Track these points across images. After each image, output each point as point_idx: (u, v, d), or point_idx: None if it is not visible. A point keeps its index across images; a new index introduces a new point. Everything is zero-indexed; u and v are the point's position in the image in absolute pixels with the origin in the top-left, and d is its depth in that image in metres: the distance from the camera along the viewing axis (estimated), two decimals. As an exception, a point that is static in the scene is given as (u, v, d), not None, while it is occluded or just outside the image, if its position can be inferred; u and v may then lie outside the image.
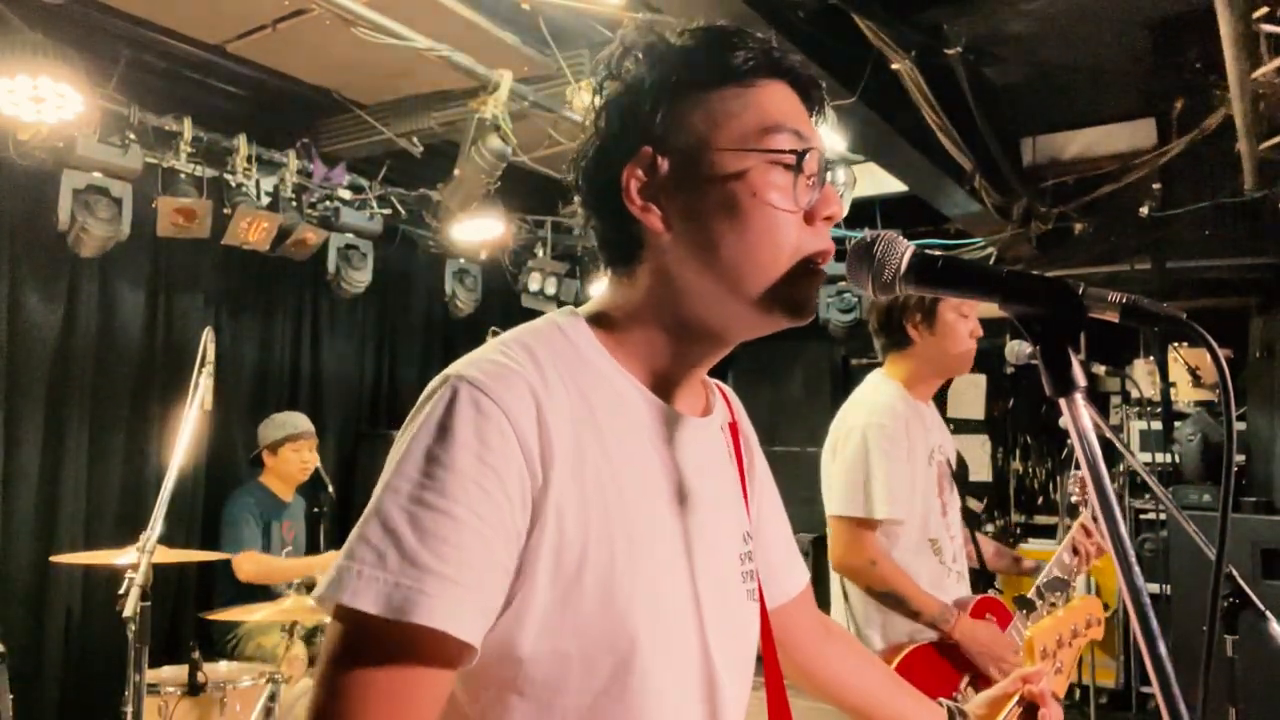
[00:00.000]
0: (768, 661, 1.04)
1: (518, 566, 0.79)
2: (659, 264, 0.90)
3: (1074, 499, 2.77)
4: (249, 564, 3.80)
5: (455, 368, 0.83)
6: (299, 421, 4.17)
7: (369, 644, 0.75)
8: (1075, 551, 2.54)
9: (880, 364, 2.54)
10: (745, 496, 1.05)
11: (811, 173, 0.88)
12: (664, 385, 0.93)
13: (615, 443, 0.86)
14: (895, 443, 2.30)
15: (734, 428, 1.05)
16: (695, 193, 0.87)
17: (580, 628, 0.81)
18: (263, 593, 3.78)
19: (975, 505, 6.23)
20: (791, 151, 0.87)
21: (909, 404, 2.41)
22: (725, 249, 0.86)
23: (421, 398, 0.83)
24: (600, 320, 0.93)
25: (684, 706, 0.88)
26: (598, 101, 0.93)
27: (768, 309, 0.88)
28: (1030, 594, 2.43)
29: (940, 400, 3.12)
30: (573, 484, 0.81)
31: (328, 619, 0.78)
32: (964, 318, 2.39)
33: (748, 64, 0.89)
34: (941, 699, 1.29)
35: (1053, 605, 2.41)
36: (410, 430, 0.81)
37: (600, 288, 0.98)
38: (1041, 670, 1.39)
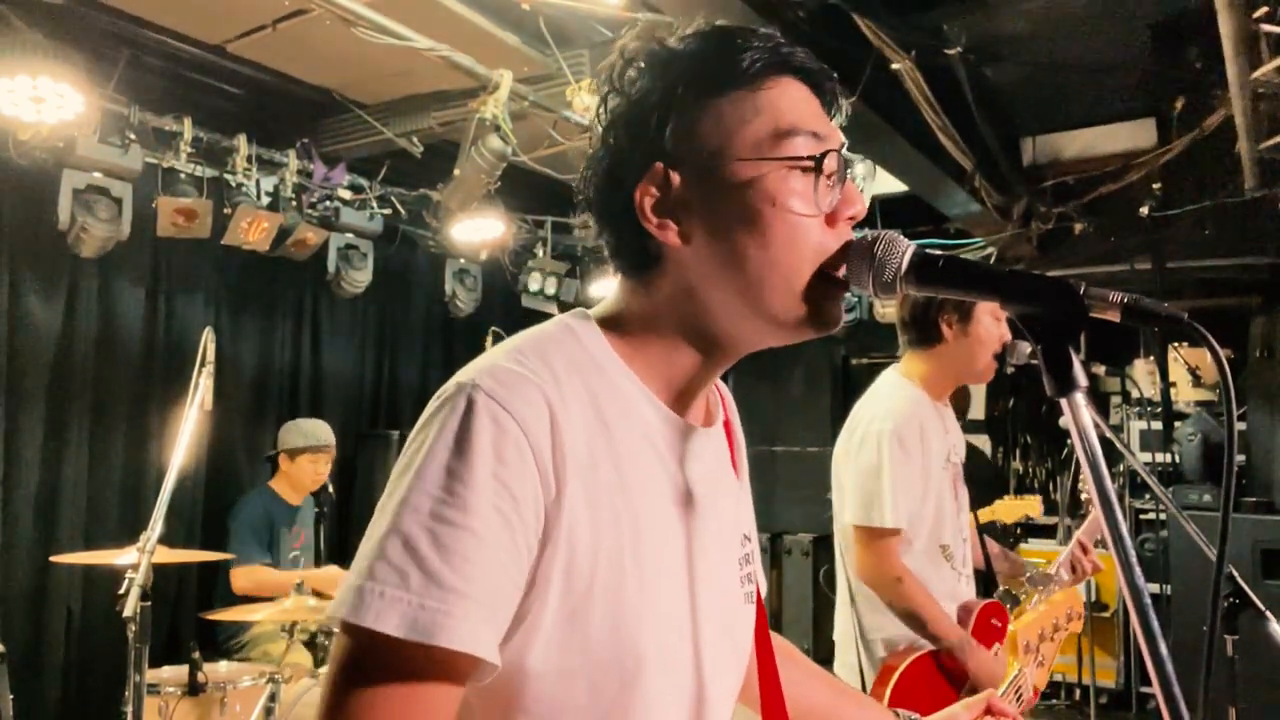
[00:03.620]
0: (763, 659, 1.03)
1: (531, 581, 0.78)
2: (679, 277, 0.88)
3: (1083, 495, 2.77)
4: (244, 579, 3.81)
5: (470, 374, 0.80)
6: (322, 434, 4.17)
7: (385, 662, 0.73)
8: (1073, 569, 2.54)
9: (887, 362, 2.49)
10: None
11: (831, 172, 0.85)
12: (677, 394, 0.91)
13: (625, 452, 0.84)
14: (910, 450, 2.26)
15: (727, 425, 1.03)
16: (713, 206, 0.85)
17: (588, 646, 0.80)
18: (262, 593, 3.78)
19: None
20: (809, 157, 0.84)
21: (928, 406, 2.36)
22: (749, 262, 0.84)
23: (434, 403, 0.81)
24: (615, 325, 0.90)
25: (673, 715, 0.88)
26: (603, 116, 0.89)
27: (793, 321, 0.86)
28: (1015, 589, 2.43)
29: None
30: (585, 500, 0.80)
31: (334, 627, 0.76)
32: (998, 322, 2.32)
33: (755, 65, 0.85)
34: (898, 709, 1.27)
35: (1036, 599, 2.41)
36: (425, 440, 0.78)
37: (606, 287, 0.95)
38: (1006, 710, 1.34)
